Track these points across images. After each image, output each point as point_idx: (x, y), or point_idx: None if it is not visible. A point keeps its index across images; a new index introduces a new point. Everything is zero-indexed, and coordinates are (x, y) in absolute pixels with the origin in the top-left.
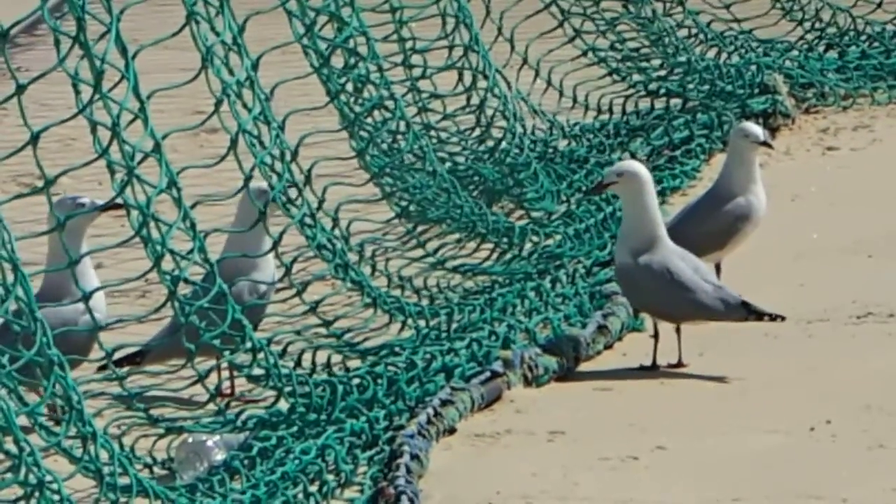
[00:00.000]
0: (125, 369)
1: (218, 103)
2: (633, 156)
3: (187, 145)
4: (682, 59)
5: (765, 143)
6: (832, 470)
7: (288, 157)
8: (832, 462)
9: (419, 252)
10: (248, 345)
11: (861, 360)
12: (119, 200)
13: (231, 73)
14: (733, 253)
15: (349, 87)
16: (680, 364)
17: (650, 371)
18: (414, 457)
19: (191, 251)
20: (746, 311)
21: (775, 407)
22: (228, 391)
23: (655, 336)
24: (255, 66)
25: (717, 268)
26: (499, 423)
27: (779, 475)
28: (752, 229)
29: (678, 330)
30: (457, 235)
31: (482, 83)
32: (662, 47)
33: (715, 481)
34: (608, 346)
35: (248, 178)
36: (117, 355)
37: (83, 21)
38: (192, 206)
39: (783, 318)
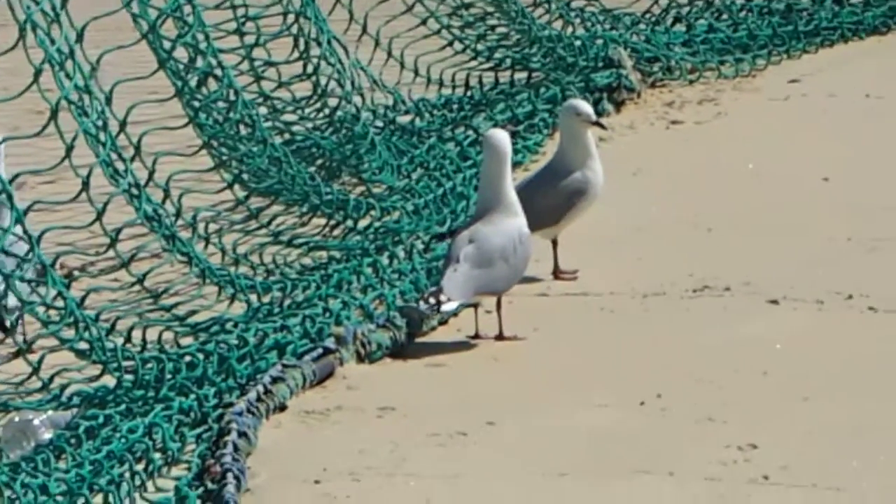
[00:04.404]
0: None
1: (37, 73)
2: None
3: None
4: (525, 25)
5: (597, 123)
6: (660, 444)
7: (114, 128)
8: (660, 436)
9: (253, 224)
10: (72, 318)
11: (695, 333)
12: None
13: (53, 42)
14: (571, 226)
15: (183, 57)
16: (501, 336)
17: (474, 339)
18: (242, 434)
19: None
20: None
21: (607, 382)
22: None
23: (475, 306)
24: (79, 37)
25: (554, 242)
26: (330, 399)
27: (607, 450)
28: (587, 205)
29: (498, 303)
30: (296, 209)
31: (316, 51)
32: (504, 14)
33: (543, 457)
34: (443, 322)
35: (69, 149)
36: None
37: None
38: (11, 181)
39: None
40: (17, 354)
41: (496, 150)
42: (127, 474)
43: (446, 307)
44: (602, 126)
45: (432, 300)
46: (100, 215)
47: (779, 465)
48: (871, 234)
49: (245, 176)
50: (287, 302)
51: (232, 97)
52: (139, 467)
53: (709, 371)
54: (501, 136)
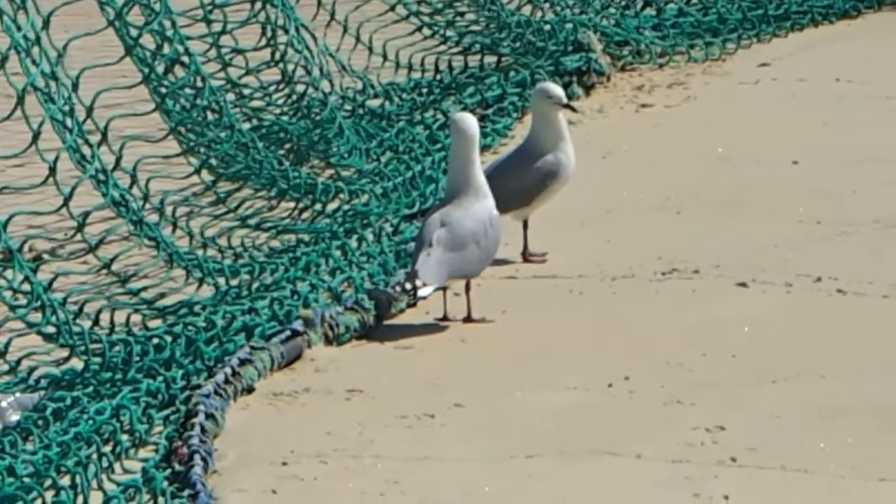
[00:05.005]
0: None
1: (3, 60)
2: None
3: None
4: (494, 11)
5: (567, 106)
6: (627, 426)
7: (82, 113)
8: (628, 418)
9: (221, 209)
10: (39, 302)
11: (663, 316)
12: None
13: (19, 28)
14: (541, 209)
15: (150, 45)
16: (469, 319)
17: (443, 322)
18: (209, 416)
19: None
20: (407, 278)
21: (575, 364)
22: None
23: (444, 288)
24: (46, 24)
25: (525, 224)
26: (297, 381)
27: (574, 432)
28: (559, 187)
29: (467, 286)
30: (264, 193)
31: (283, 38)
32: (474, 1)
33: (511, 438)
34: (411, 305)
35: (36, 135)
36: None
37: None
38: None
39: (412, 295)
40: None
41: (464, 133)
42: (94, 456)
43: (422, 292)
44: (573, 108)
45: (408, 285)
46: (66, 200)
47: (747, 447)
48: (840, 217)
49: (213, 161)
50: (255, 285)
51: (199, 84)
52: (106, 449)
53: (677, 353)
54: (469, 120)
